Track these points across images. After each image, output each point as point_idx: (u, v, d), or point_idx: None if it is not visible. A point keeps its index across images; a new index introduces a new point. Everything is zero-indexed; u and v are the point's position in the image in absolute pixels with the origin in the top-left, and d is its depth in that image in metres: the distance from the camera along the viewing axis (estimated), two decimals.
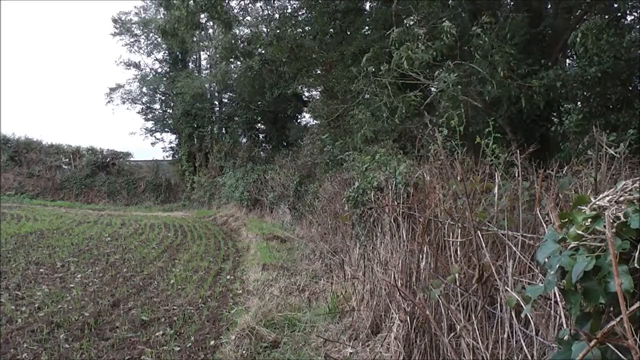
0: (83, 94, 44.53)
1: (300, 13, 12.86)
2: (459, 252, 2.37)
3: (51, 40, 45.12)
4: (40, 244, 8.36)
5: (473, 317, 2.02)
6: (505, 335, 1.83)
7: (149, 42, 22.87)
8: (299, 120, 19.43)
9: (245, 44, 13.98)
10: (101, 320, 4.24)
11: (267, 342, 3.61)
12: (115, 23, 22.54)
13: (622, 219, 1.06)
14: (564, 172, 3.17)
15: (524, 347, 1.77)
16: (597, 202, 1.17)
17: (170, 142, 23.22)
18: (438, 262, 2.60)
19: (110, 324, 4.15)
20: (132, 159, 23.00)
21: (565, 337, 1.12)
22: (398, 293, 2.75)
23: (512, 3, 8.29)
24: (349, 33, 11.04)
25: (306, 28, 12.45)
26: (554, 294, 1.58)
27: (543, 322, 1.75)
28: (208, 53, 21.65)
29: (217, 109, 21.87)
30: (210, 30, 18.37)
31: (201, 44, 20.52)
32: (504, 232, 2.07)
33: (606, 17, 6.76)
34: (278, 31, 12.13)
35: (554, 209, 1.35)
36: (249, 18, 14.74)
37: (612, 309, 1.07)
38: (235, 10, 11.99)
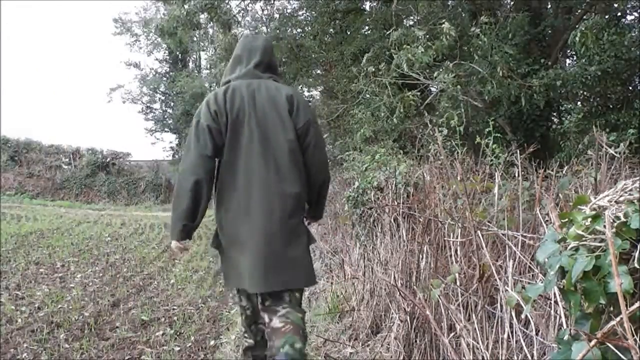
0: (83, 94, 44.48)
1: (300, 13, 12.86)
2: (459, 252, 2.37)
3: (50, 40, 45.08)
4: (40, 244, 8.35)
5: (473, 317, 2.01)
6: (505, 335, 1.83)
7: (149, 41, 22.89)
8: None
9: None
10: (101, 320, 4.24)
11: None
12: (115, 23, 22.59)
13: (622, 219, 1.06)
14: (564, 172, 3.18)
15: (524, 347, 1.77)
16: (597, 202, 1.17)
17: (170, 142, 23.26)
18: (438, 262, 2.60)
19: (110, 324, 4.15)
20: (132, 159, 22.94)
21: (565, 337, 1.12)
22: (398, 293, 2.75)
23: (512, 3, 8.29)
24: (349, 33, 11.05)
25: (306, 28, 12.46)
26: (554, 294, 1.58)
27: (543, 322, 1.76)
28: (208, 54, 21.68)
29: None
30: (211, 31, 18.34)
31: (201, 44, 20.54)
32: (504, 232, 2.07)
33: (606, 16, 6.76)
34: (278, 31, 12.13)
35: (554, 209, 1.35)
36: (248, 19, 14.74)
37: (612, 309, 1.07)
38: (235, 11, 11.98)
